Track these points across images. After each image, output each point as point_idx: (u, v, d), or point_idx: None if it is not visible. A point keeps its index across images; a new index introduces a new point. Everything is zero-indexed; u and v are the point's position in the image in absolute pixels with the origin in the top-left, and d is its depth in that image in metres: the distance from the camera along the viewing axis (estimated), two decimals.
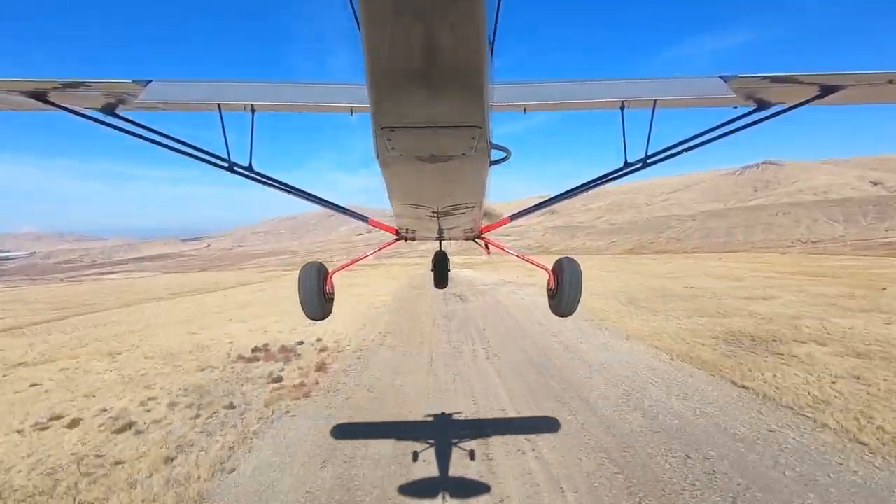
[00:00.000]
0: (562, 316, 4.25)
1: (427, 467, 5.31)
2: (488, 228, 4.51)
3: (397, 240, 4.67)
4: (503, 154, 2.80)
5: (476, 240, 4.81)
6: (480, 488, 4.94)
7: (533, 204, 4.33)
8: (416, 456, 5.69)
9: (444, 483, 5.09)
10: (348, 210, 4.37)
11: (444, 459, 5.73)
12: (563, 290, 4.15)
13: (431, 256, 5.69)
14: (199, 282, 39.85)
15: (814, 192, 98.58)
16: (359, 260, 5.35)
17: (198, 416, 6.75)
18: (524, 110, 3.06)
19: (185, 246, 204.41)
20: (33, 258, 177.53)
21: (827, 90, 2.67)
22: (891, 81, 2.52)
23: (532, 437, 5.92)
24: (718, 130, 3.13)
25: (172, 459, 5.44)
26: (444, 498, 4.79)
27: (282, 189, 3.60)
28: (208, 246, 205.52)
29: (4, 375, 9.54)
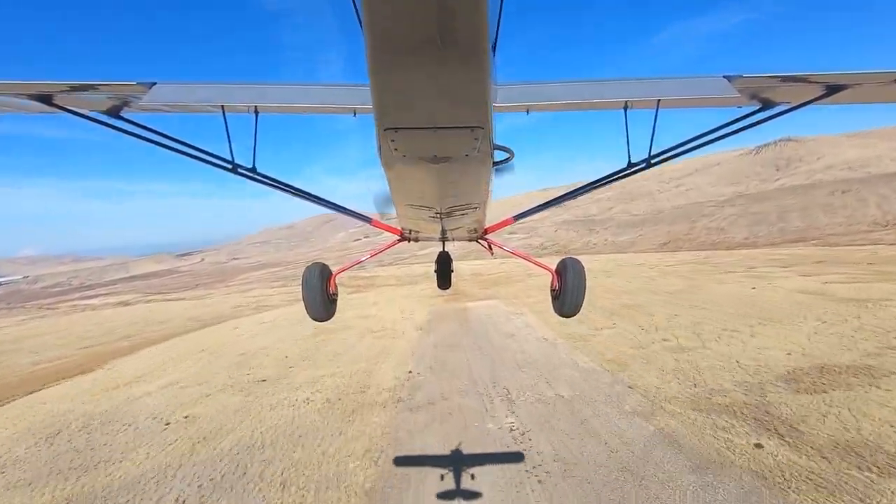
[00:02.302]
0: (565, 316, 4.36)
1: None
2: (492, 229, 4.59)
3: (400, 240, 4.85)
4: (506, 155, 2.92)
5: (479, 240, 4.91)
6: None
7: (537, 204, 4.44)
8: None
9: None
10: (351, 211, 4.49)
11: None
12: (567, 291, 4.20)
13: (445, 261, 5.70)
14: (132, 325, 31.96)
15: (849, 168, 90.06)
16: (360, 262, 5.41)
17: None
18: (527, 111, 3.02)
19: (180, 261, 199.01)
20: (22, 283, 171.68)
21: (833, 89, 2.69)
22: None
23: None
24: (722, 130, 3.22)
25: None
26: None
27: (284, 190, 3.65)
28: (202, 260, 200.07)
29: None
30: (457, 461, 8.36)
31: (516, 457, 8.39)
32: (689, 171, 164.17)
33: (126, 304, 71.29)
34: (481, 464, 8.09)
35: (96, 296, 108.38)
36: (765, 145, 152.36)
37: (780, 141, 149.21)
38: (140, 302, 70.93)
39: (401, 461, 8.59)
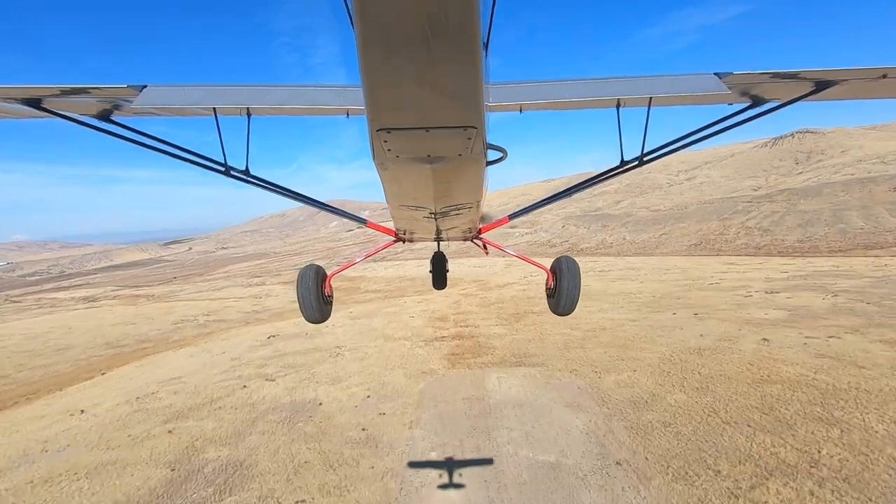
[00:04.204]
0: (560, 315, 4.47)
1: None
2: (487, 229, 4.65)
3: (395, 241, 4.82)
4: (499, 154, 2.98)
5: (474, 240, 5.01)
6: None
7: (531, 203, 4.53)
8: None
9: None
10: (346, 213, 4.64)
11: None
12: (563, 290, 4.29)
13: (440, 262, 6.04)
14: (21, 353, 25.22)
15: (882, 161, 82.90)
16: (355, 263, 5.38)
17: None
18: (520, 110, 3.03)
19: (165, 250, 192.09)
20: (1, 270, 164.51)
21: (822, 85, 2.72)
22: (885, 76, 2.53)
23: None
24: (714, 127, 3.26)
25: None
26: None
27: (278, 192, 3.63)
28: (190, 249, 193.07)
29: None
30: None
31: None
32: (698, 164, 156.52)
33: (91, 299, 65.39)
34: None
35: (70, 287, 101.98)
36: (781, 137, 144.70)
37: (797, 133, 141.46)
38: (107, 298, 64.93)
39: None
